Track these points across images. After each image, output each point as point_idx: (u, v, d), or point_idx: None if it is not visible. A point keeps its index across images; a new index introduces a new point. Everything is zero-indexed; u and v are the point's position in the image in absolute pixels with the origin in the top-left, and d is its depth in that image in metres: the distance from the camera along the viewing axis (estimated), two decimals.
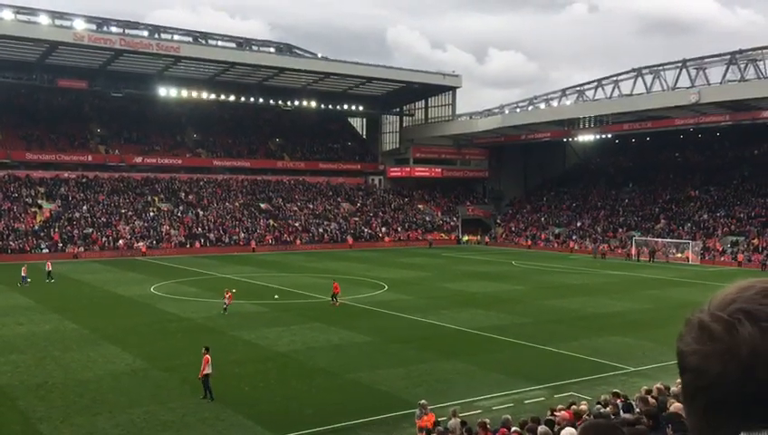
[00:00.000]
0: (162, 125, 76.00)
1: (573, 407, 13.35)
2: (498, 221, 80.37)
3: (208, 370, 18.31)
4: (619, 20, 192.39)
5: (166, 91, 69.99)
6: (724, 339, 0.95)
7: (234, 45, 71.62)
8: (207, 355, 18.47)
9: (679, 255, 59.61)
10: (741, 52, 59.10)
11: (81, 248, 57.95)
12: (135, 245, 60.24)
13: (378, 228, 73.46)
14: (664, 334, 25.84)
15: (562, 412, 12.89)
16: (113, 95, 70.70)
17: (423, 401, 15.00)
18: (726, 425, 0.94)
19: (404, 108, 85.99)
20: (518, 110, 77.64)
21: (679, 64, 62.11)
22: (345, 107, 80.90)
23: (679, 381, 0.98)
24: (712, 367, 0.95)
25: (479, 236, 76.62)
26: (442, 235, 75.70)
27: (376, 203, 79.53)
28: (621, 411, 11.45)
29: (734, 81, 58.78)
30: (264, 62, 70.30)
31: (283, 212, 72.17)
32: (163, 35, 67.10)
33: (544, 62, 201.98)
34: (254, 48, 72.50)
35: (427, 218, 78.62)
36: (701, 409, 0.96)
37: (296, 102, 77.27)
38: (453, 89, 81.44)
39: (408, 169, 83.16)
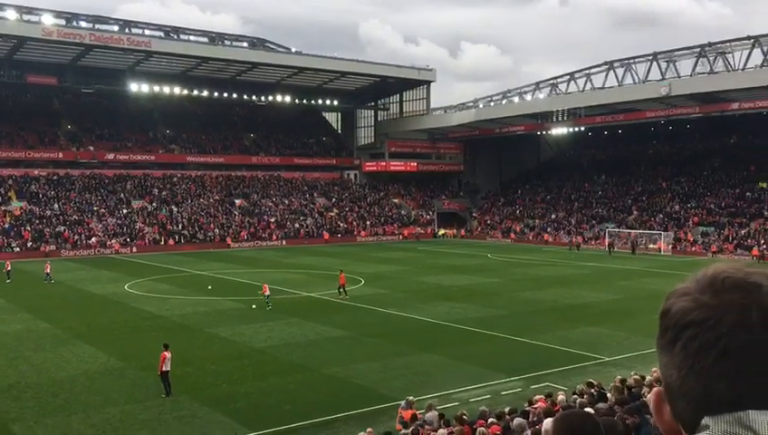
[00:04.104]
0: (134, 121, 75.08)
1: (550, 397, 13.51)
2: (474, 214, 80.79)
3: (167, 366, 18.28)
4: (589, 14, 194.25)
5: (137, 87, 69.12)
6: (744, 287, 0.94)
7: (206, 40, 70.89)
8: (165, 352, 18.46)
9: (652, 245, 60.45)
10: (710, 45, 60.00)
11: (53, 247, 57.10)
12: (108, 242, 59.52)
13: (354, 223, 73.40)
14: (637, 324, 26.22)
15: (539, 403, 13.04)
16: (84, 91, 69.68)
17: (411, 398, 15.13)
18: (739, 373, 0.91)
19: (378, 102, 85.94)
20: (492, 103, 78.03)
21: (650, 57, 62.88)
22: (320, 102, 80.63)
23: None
24: (726, 317, 0.92)
25: (455, 230, 76.94)
26: (418, 228, 75.87)
27: (352, 198, 79.46)
28: (596, 400, 11.60)
29: (704, 73, 59.68)
30: (237, 57, 69.80)
31: (259, 208, 71.80)
32: (134, 30, 66.22)
33: (517, 56, 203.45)
34: (227, 43, 71.91)
35: (403, 213, 78.75)
36: (708, 364, 0.92)
37: (270, 97, 76.84)
38: (427, 83, 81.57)
39: (384, 164, 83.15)
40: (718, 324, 0.92)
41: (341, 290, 33.85)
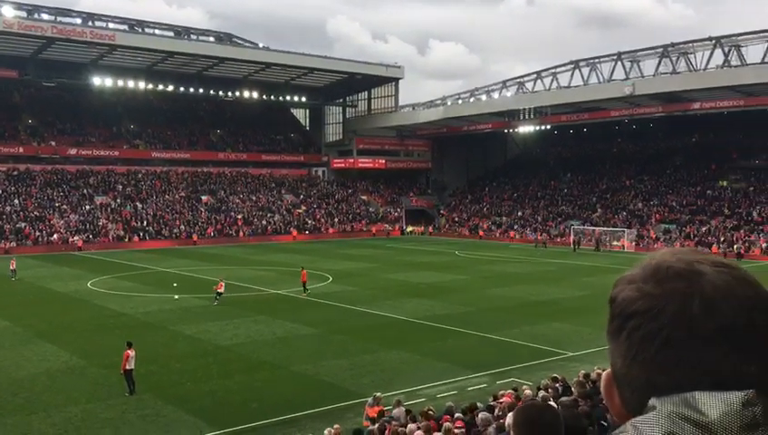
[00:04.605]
0: (98, 116, 73.74)
1: (515, 392, 13.65)
2: (441, 212, 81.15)
3: (131, 365, 18.07)
4: (556, 13, 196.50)
5: (101, 81, 67.91)
6: (687, 276, 0.94)
7: (172, 34, 70.02)
8: (128, 351, 18.23)
9: (616, 242, 61.40)
10: (673, 45, 61.15)
11: (13, 243, 55.84)
12: (70, 239, 58.40)
13: (322, 220, 73.16)
14: (601, 320, 26.20)
15: (505, 398, 13.16)
16: (45, 84, 68.23)
17: (378, 394, 15.15)
18: (682, 363, 0.91)
19: (347, 99, 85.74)
20: (460, 101, 78.45)
21: (615, 57, 63.83)
22: (287, 98, 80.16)
23: None
24: (668, 307, 0.92)
25: (423, 227, 77.20)
26: (386, 226, 75.95)
27: (320, 195, 79.20)
28: (560, 395, 11.74)
29: (667, 73, 60.79)
30: (203, 52, 69.01)
31: (226, 204, 71.13)
32: (97, 23, 65.12)
33: (485, 54, 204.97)
34: (193, 37, 71.06)
35: (371, 210, 78.75)
36: (651, 355, 0.92)
37: (237, 93, 76.13)
38: (395, 80, 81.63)
39: (352, 161, 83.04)
40: (661, 315, 0.92)
41: (304, 287, 33.97)
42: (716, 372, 0.89)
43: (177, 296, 36.22)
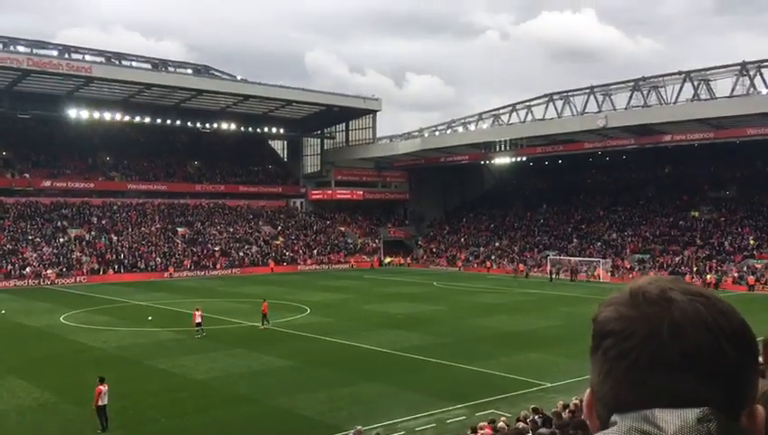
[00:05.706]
0: (73, 148, 73.17)
1: (493, 423, 13.63)
2: (419, 243, 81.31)
3: (103, 401, 17.76)
4: (529, 47, 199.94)
5: (77, 113, 67.52)
6: (659, 302, 1.00)
7: (149, 66, 70.02)
8: (100, 386, 17.94)
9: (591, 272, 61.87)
10: (644, 79, 62.49)
11: None
12: (43, 273, 57.45)
13: (300, 251, 72.87)
14: (578, 350, 26.71)
15: (486, 429, 13.14)
16: (20, 116, 67.67)
17: (360, 428, 15.03)
18: (648, 382, 0.97)
19: (325, 131, 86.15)
20: (437, 133, 79.17)
21: (587, 90, 65.04)
22: (265, 130, 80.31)
23: None
24: (640, 329, 0.98)
25: (401, 258, 77.23)
26: (364, 257, 75.86)
27: (298, 226, 79.02)
28: (539, 426, 11.76)
29: (638, 106, 62.02)
30: (181, 84, 69.04)
31: (203, 236, 70.62)
32: (74, 55, 64.92)
33: (461, 87, 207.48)
34: (171, 69, 71.10)
35: (349, 241, 78.68)
36: (621, 373, 0.99)
37: (215, 125, 76.09)
38: (373, 112, 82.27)
39: (330, 192, 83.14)
40: (632, 336, 0.99)
41: (264, 319, 33.22)
42: (677, 393, 0.96)
43: (150, 317, 36.05)
